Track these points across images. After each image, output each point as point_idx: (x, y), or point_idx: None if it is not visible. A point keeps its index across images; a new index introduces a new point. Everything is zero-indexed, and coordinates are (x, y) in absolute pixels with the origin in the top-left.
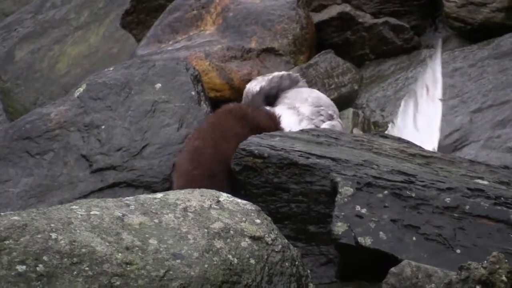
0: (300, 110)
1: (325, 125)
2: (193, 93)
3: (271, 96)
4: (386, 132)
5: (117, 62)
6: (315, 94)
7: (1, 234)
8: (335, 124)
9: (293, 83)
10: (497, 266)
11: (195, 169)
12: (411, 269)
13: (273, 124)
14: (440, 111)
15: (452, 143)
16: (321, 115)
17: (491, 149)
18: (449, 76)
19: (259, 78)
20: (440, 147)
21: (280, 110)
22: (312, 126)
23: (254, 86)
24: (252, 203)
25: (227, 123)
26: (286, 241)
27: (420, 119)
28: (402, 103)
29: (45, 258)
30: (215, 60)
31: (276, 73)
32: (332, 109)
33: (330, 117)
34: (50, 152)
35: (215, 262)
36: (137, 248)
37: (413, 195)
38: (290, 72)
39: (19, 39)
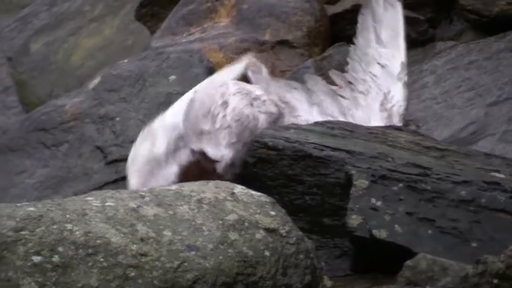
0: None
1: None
2: None
3: None
4: (348, 58)
5: (131, 54)
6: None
7: (17, 225)
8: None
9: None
10: None
11: None
12: (427, 262)
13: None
14: (402, 15)
15: (467, 136)
16: None
17: (507, 142)
18: (464, 68)
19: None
20: (456, 140)
21: None
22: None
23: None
24: (266, 195)
25: None
26: (301, 233)
27: (383, 30)
28: (359, 18)
29: (60, 249)
30: (229, 52)
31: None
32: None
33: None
34: (65, 143)
35: (229, 254)
36: (152, 240)
37: (429, 188)
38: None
39: (34, 31)
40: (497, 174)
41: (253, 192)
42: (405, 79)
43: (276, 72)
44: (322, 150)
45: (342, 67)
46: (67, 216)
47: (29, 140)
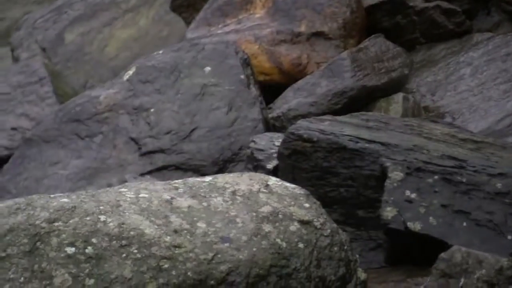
0: None
1: None
2: (242, 76)
3: None
4: None
5: (166, 45)
6: None
7: (50, 216)
8: None
9: None
10: None
11: None
12: (461, 255)
13: None
14: None
15: (503, 128)
16: None
17: None
18: (501, 60)
19: None
20: (492, 132)
21: None
22: None
23: None
24: (301, 187)
25: None
26: (335, 225)
27: None
28: None
29: (94, 240)
30: (264, 44)
31: None
32: None
33: None
34: (99, 134)
35: (263, 246)
36: (186, 231)
37: (464, 180)
38: None
39: (69, 22)
40: None
41: (288, 184)
42: None
43: (311, 64)
44: (357, 142)
45: (379, 59)
46: (101, 207)
47: (63, 131)
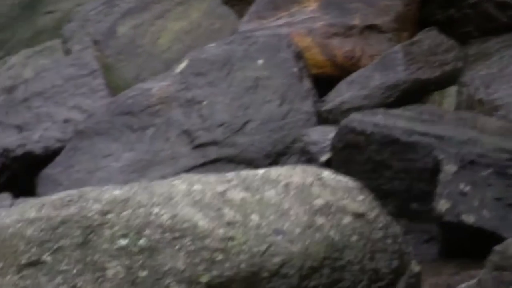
0: None
1: None
2: (295, 69)
3: None
4: None
5: (219, 38)
6: None
7: (103, 208)
8: None
9: None
10: None
11: None
12: None
13: None
14: None
15: None
16: None
17: None
18: None
19: None
20: None
21: None
22: None
23: None
24: (354, 180)
25: None
26: (389, 218)
27: None
28: None
29: (147, 232)
30: (317, 37)
31: None
32: None
33: None
34: (152, 127)
35: (317, 239)
36: (239, 224)
37: None
38: None
39: (121, 15)
40: None
41: (341, 177)
42: None
43: (364, 57)
44: (410, 135)
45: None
46: (154, 199)
47: (115, 123)
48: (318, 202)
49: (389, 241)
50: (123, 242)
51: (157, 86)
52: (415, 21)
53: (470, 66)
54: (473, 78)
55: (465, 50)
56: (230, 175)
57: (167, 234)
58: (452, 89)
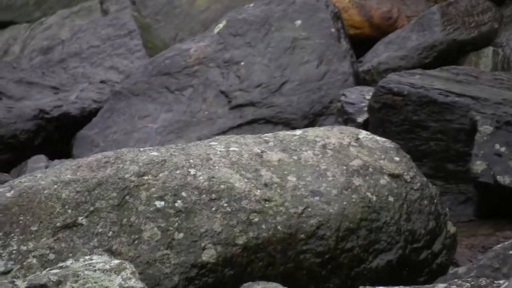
0: None
1: None
2: (332, 30)
3: None
4: None
5: None
6: None
7: (140, 170)
8: None
9: None
10: None
11: None
12: None
13: None
14: None
15: None
16: None
17: None
18: None
19: None
20: None
21: None
22: None
23: None
24: (391, 140)
25: None
26: (425, 179)
27: None
28: None
29: (183, 194)
30: None
31: None
32: None
33: None
34: (189, 88)
35: (353, 200)
36: (276, 185)
37: None
38: None
39: None
40: None
41: (378, 138)
42: None
43: (402, 18)
44: (447, 96)
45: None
46: (191, 161)
47: (153, 84)
48: (355, 163)
49: (425, 202)
50: (159, 204)
51: (195, 47)
52: None
53: (506, 27)
54: (509, 39)
55: (501, 11)
56: (267, 136)
57: (203, 196)
58: (488, 50)
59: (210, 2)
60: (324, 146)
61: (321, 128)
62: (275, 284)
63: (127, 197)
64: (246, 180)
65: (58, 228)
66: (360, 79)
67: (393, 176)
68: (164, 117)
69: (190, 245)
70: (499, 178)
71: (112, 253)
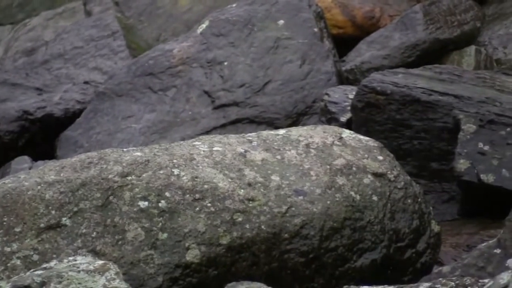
0: None
1: None
2: (315, 29)
3: None
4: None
5: None
6: None
7: (123, 170)
8: None
9: None
10: None
11: None
12: None
13: None
14: None
15: None
16: None
17: None
18: None
19: None
20: None
21: None
22: None
23: None
24: (374, 139)
25: None
26: (409, 178)
27: None
28: None
29: (167, 194)
30: None
31: None
32: None
33: None
34: (173, 88)
35: (337, 199)
36: (260, 185)
37: None
38: None
39: None
40: None
41: (361, 137)
42: None
43: (384, 17)
44: (430, 94)
45: (451, 12)
46: (174, 161)
47: (136, 84)
48: (339, 162)
49: (409, 201)
50: (143, 204)
51: (178, 47)
52: None
53: (488, 25)
54: (491, 37)
55: (483, 10)
56: (251, 135)
57: (187, 196)
58: (471, 49)
59: (193, 3)
60: (307, 146)
61: (305, 128)
62: (259, 284)
63: (110, 198)
64: (229, 179)
65: (42, 229)
66: (343, 79)
67: (377, 175)
68: (147, 117)
69: (174, 245)
70: (483, 176)
71: (96, 253)
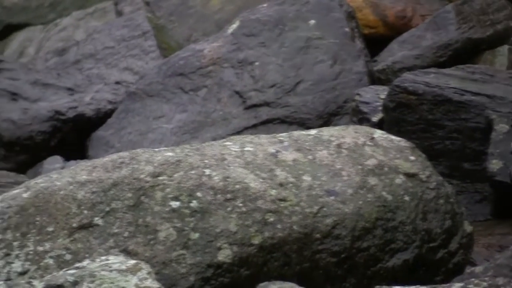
0: None
1: None
2: (347, 29)
3: None
4: None
5: None
6: None
7: (155, 170)
8: None
9: None
10: None
11: None
12: None
13: None
14: None
15: None
16: None
17: None
18: None
19: None
20: None
21: None
22: None
23: None
24: (406, 140)
25: None
26: (441, 178)
27: None
28: None
29: (198, 194)
30: None
31: None
32: None
33: None
34: (204, 88)
35: (369, 199)
36: (291, 185)
37: None
38: None
39: None
40: None
41: (393, 137)
42: None
43: (416, 17)
44: (462, 94)
45: (484, 12)
46: (206, 161)
47: (167, 85)
48: (370, 162)
49: (441, 201)
50: (175, 204)
51: (209, 47)
52: None
53: None
54: None
55: None
56: (282, 136)
57: (219, 196)
58: (504, 48)
59: (224, 3)
60: (339, 146)
61: (336, 128)
62: (291, 283)
63: (142, 198)
64: (261, 180)
65: (74, 228)
66: (374, 79)
67: (409, 175)
68: (178, 117)
69: (206, 245)
70: None
71: (128, 253)
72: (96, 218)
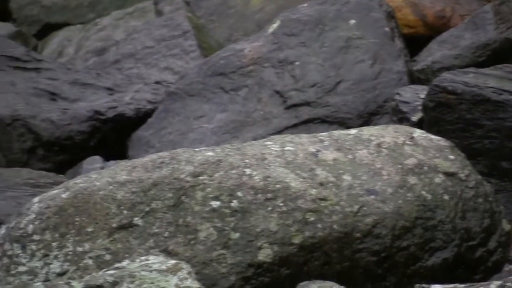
0: None
1: None
2: (386, 29)
3: None
4: None
5: None
6: None
7: (195, 170)
8: None
9: None
10: None
11: None
12: None
13: None
14: None
15: None
16: None
17: None
18: None
19: None
20: None
21: None
22: None
23: None
24: (445, 139)
25: None
26: (480, 177)
27: None
28: None
29: (239, 193)
30: None
31: None
32: None
33: None
34: (244, 88)
35: (409, 198)
36: (331, 184)
37: None
38: None
39: None
40: None
41: (432, 136)
42: None
43: (455, 17)
44: (500, 94)
45: None
46: (246, 160)
47: (208, 84)
48: (410, 161)
49: (480, 200)
50: (215, 204)
51: (249, 47)
52: None
53: None
54: None
55: None
56: (322, 135)
57: (259, 196)
58: None
59: (265, 3)
60: (379, 145)
61: (376, 127)
62: (331, 283)
63: (182, 197)
64: (301, 179)
65: (113, 229)
66: (414, 78)
67: (448, 174)
68: (219, 117)
69: (246, 244)
70: None
71: (168, 253)
72: (136, 218)
